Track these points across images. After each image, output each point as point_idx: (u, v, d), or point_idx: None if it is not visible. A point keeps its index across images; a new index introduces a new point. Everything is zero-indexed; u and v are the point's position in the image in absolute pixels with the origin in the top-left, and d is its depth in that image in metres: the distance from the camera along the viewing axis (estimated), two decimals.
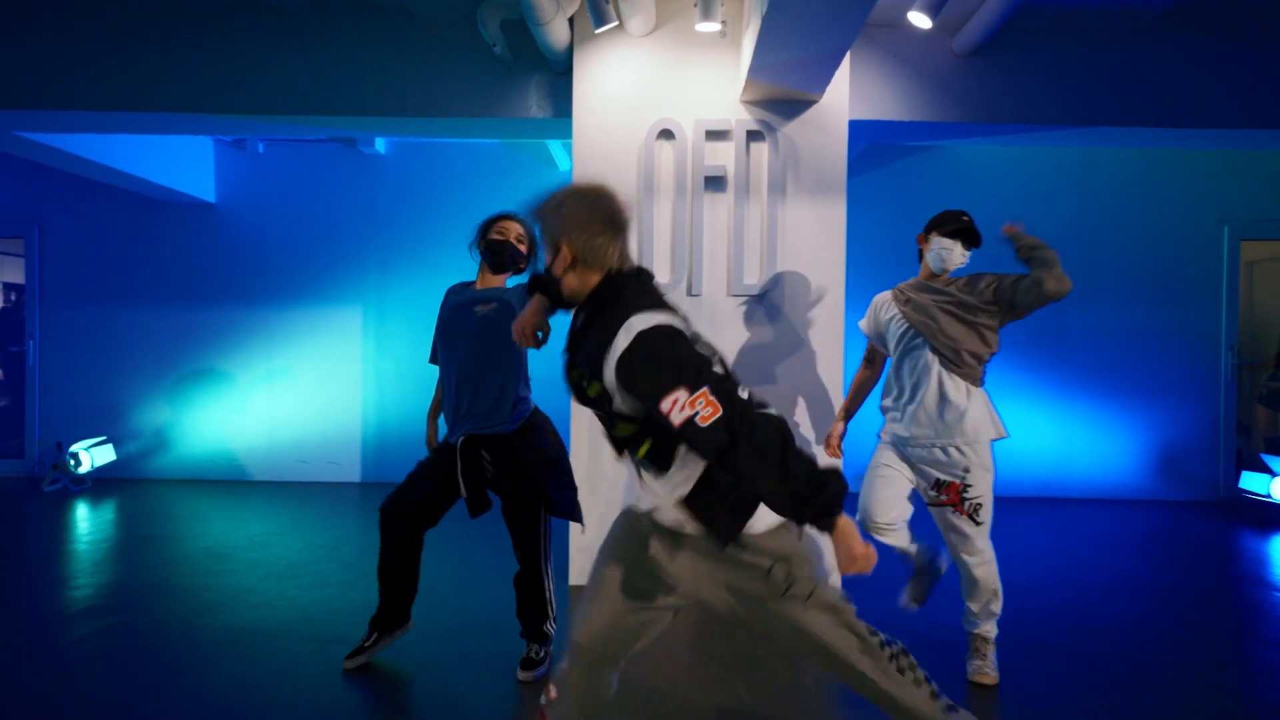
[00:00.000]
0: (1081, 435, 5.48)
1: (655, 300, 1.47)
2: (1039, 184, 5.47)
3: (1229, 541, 4.36)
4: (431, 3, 3.51)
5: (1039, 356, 5.48)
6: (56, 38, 3.73)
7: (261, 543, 4.06)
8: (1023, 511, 5.00)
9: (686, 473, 1.44)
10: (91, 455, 5.36)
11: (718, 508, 1.42)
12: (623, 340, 1.37)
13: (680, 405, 1.31)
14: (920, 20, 3.03)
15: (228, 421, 5.78)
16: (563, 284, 1.53)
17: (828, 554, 3.23)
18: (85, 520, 4.54)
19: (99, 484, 5.49)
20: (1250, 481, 5.04)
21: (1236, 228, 5.45)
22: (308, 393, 5.77)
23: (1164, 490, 5.45)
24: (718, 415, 1.30)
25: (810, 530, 1.36)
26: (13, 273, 7.81)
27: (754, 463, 1.30)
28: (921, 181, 5.51)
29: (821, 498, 1.29)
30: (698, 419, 1.30)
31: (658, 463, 1.45)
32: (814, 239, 3.33)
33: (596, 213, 1.50)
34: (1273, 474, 4.90)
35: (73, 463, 5.25)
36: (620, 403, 1.42)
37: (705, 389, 1.31)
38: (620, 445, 1.53)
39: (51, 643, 2.71)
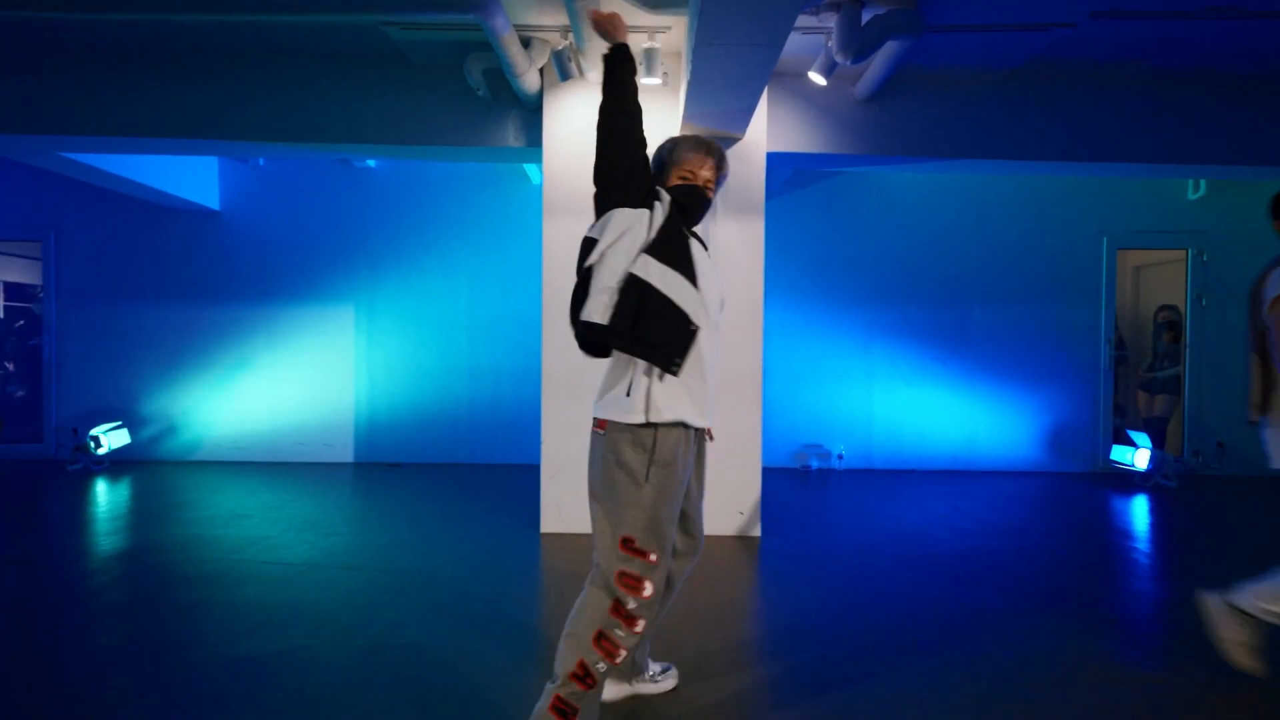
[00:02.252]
0: (983, 416, 6.38)
1: None
2: (945, 200, 6.35)
3: (1100, 502, 5.25)
4: (425, 51, 4.22)
5: (945, 347, 6.36)
6: (96, 74, 4.35)
7: (276, 505, 4.75)
8: (932, 482, 5.87)
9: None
10: (109, 438, 5.95)
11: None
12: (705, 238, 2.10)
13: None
14: (817, 79, 3.84)
15: (232, 408, 6.41)
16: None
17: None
18: (109, 493, 5.16)
19: (115, 465, 6.08)
20: (1118, 453, 5.98)
21: (1114, 238, 6.39)
22: (305, 382, 6.42)
23: (1052, 463, 6.37)
24: None
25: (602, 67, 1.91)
26: (29, 274, 8.31)
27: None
28: (846, 198, 6.35)
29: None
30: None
31: None
32: (738, 249, 4.12)
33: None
34: (1136, 446, 5.83)
35: (93, 445, 5.84)
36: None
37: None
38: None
39: (99, 585, 3.38)
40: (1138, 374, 7.05)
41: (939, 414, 6.36)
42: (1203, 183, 6.22)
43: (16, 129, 4.38)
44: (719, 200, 4.10)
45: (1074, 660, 2.54)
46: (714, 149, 2.04)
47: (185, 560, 3.59)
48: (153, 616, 2.86)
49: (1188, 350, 6.36)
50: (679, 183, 2.00)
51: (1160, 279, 7.44)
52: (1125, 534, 4.38)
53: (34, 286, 8.02)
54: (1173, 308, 6.61)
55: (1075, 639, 2.72)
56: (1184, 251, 6.43)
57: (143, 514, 4.55)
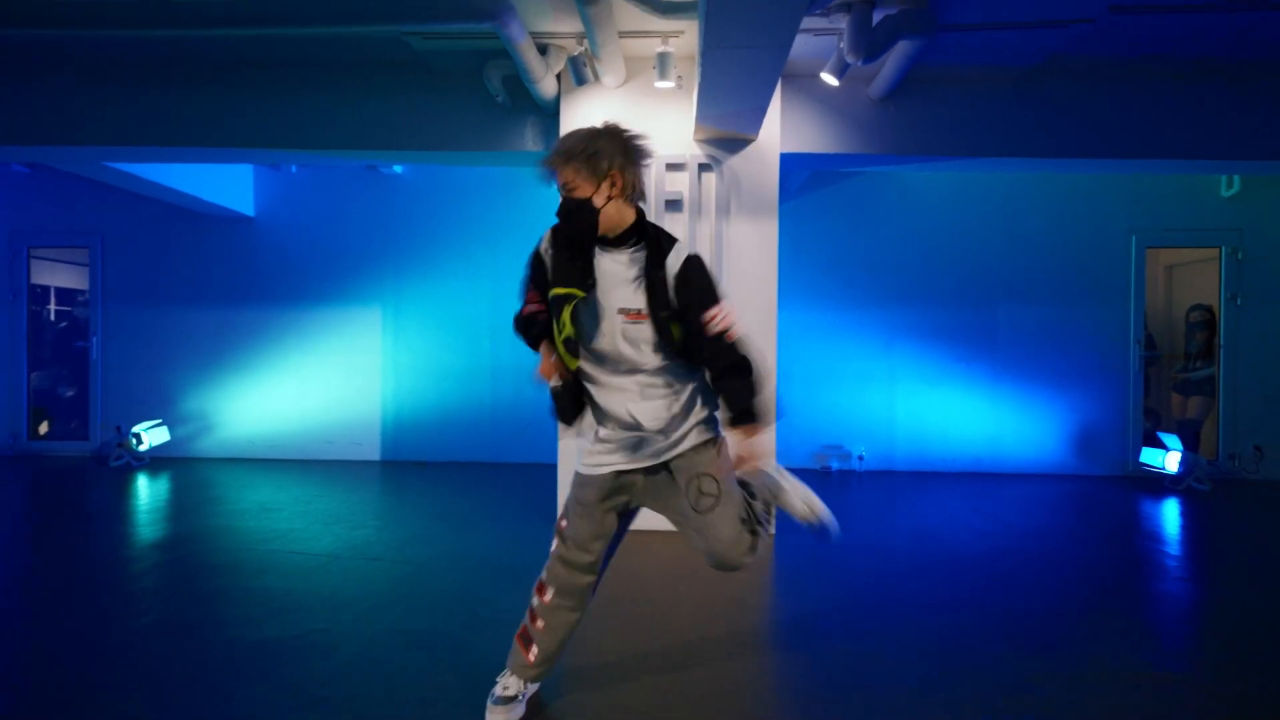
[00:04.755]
0: (1008, 418, 6.29)
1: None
2: (969, 198, 6.30)
3: (1129, 506, 5.15)
4: (446, 59, 4.34)
5: (971, 349, 6.30)
6: (139, 88, 4.55)
7: (305, 499, 4.91)
8: (958, 484, 5.81)
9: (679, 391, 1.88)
10: (150, 435, 6.20)
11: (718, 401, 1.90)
12: (675, 260, 1.78)
13: (718, 318, 1.77)
14: (830, 79, 3.87)
15: (264, 407, 6.63)
16: (602, 214, 1.75)
17: None
18: (149, 488, 5.38)
19: (155, 461, 6.33)
20: (1148, 456, 5.85)
21: (1143, 237, 6.26)
22: (333, 382, 6.61)
23: (1080, 466, 6.25)
24: (739, 331, 1.76)
25: (740, 427, 1.81)
26: (71, 279, 8.67)
27: (748, 369, 1.81)
28: (866, 199, 6.33)
29: (764, 394, 1.81)
30: (728, 333, 1.76)
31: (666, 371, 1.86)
32: (752, 250, 4.16)
33: (634, 148, 1.77)
34: (1166, 449, 5.70)
35: (135, 441, 6.09)
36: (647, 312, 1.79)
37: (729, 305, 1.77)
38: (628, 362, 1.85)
39: (138, 571, 3.54)
40: (1171, 375, 6.89)
41: (963, 416, 6.29)
42: (1236, 179, 6.07)
43: (65, 141, 4.61)
44: (732, 199, 4.15)
45: (1090, 663, 2.52)
46: (552, 154, 1.81)
47: (217, 549, 3.74)
48: (185, 600, 3.00)
49: (1222, 351, 6.20)
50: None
51: (1194, 278, 7.25)
52: (1152, 538, 4.30)
53: (76, 291, 8.37)
54: (1206, 307, 6.44)
55: (1092, 641, 2.70)
56: (1217, 250, 6.27)
57: (180, 507, 4.74)
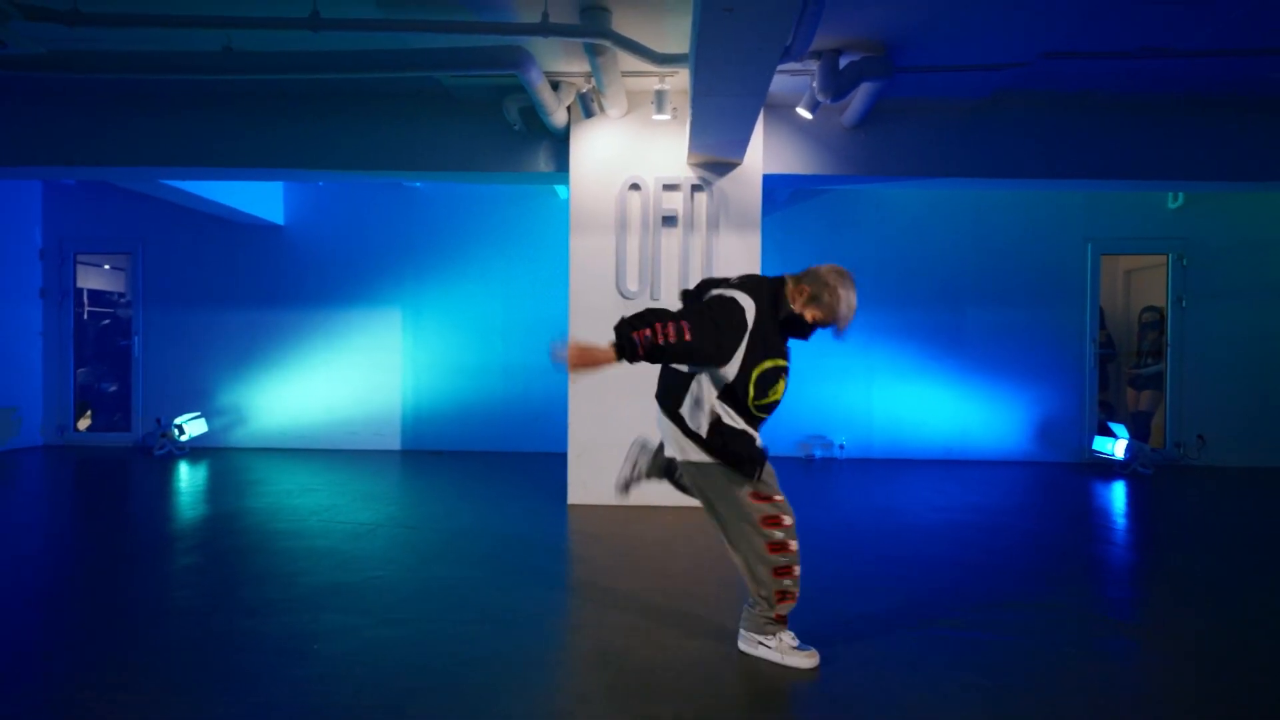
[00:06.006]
0: (976, 410, 6.90)
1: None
2: (940, 210, 6.90)
3: (1078, 487, 5.74)
4: (468, 90, 4.92)
5: (943, 347, 6.90)
6: (188, 116, 5.11)
7: (339, 482, 5.49)
8: (930, 470, 6.42)
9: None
10: (190, 426, 6.77)
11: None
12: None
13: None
14: (804, 114, 4.46)
15: (293, 401, 7.21)
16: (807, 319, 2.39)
17: None
18: (193, 473, 5.96)
19: (194, 450, 6.91)
20: (1099, 444, 6.46)
21: (1098, 244, 6.86)
22: (357, 377, 7.19)
23: (1040, 453, 6.86)
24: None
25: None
26: (108, 282, 9.23)
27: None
28: (846, 210, 6.93)
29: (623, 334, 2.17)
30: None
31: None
32: (739, 259, 4.75)
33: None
34: (1115, 437, 6.31)
35: (177, 432, 6.67)
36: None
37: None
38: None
39: (206, 538, 4.13)
40: (1126, 371, 7.50)
41: (935, 408, 6.89)
42: (1181, 194, 6.67)
43: (123, 162, 5.18)
44: (720, 216, 4.74)
45: (1028, 604, 3.12)
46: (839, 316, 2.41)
47: (276, 519, 4.32)
48: (262, 555, 3.60)
49: (1169, 349, 6.81)
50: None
51: (1149, 282, 7.86)
52: (1095, 512, 4.91)
53: (113, 293, 8.93)
54: (1156, 309, 7.05)
55: (1030, 585, 3.30)
56: (1165, 256, 6.88)
57: (229, 488, 5.33)
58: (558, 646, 2.66)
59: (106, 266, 8.88)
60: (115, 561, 3.55)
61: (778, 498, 2.43)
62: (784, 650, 2.42)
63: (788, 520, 2.41)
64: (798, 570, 2.42)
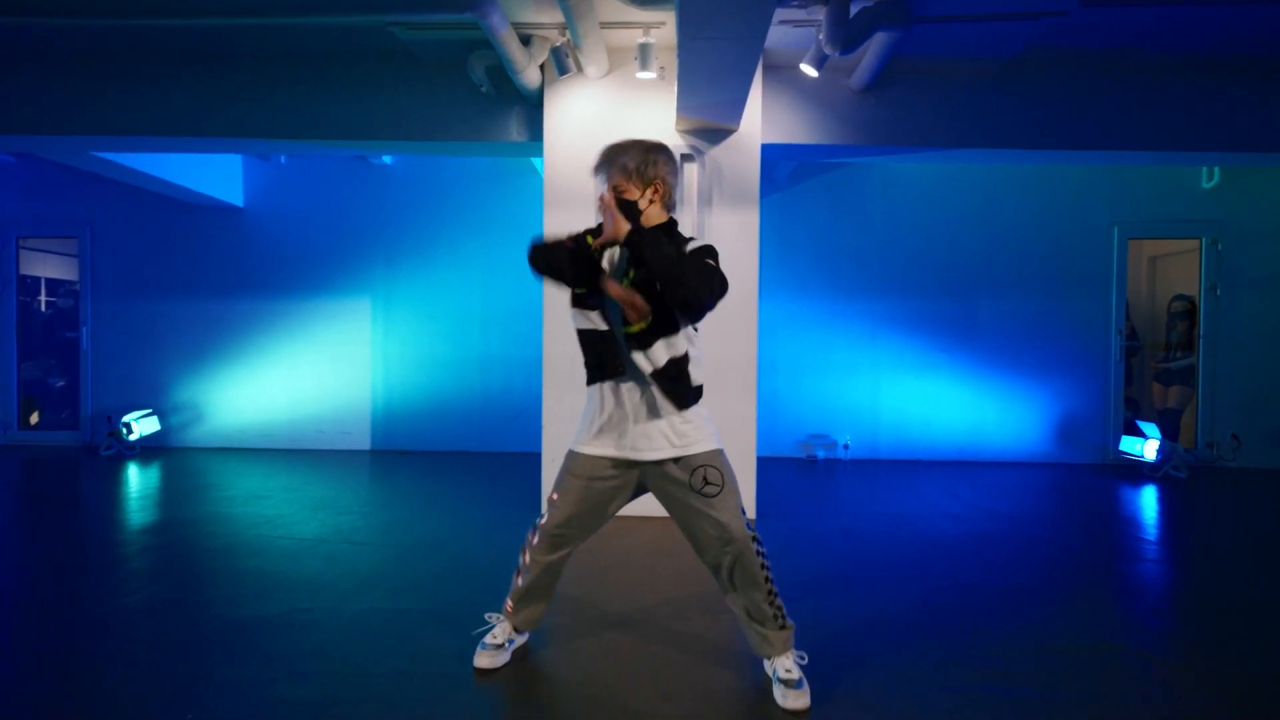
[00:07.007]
0: (990, 407, 6.37)
1: None
2: (952, 190, 6.35)
3: (1106, 492, 5.23)
4: (431, 49, 4.37)
5: (952, 338, 6.37)
6: (123, 77, 4.57)
7: (294, 487, 4.96)
8: (941, 472, 5.89)
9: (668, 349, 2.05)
10: (140, 425, 6.24)
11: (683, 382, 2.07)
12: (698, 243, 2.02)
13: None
14: (809, 71, 3.91)
15: (254, 397, 6.67)
16: (643, 215, 2.02)
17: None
18: (140, 476, 5.43)
19: (146, 450, 6.37)
20: (1127, 444, 5.93)
21: (1125, 228, 6.33)
22: (324, 372, 6.66)
23: (1061, 454, 6.34)
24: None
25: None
26: (58, 269, 8.68)
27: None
28: (851, 191, 6.39)
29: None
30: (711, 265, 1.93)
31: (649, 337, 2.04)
32: (733, 238, 4.21)
33: (674, 166, 2.06)
34: (1145, 437, 5.79)
35: (125, 431, 6.13)
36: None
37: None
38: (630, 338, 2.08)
39: (128, 554, 3.60)
40: (1152, 365, 6.98)
41: (946, 405, 6.37)
42: (1216, 171, 6.14)
43: (51, 130, 4.63)
44: (714, 189, 4.20)
45: (1055, 634, 2.60)
46: (608, 160, 2.07)
47: (206, 534, 3.79)
48: (171, 582, 3.06)
49: (1201, 341, 6.29)
50: None
51: (1177, 269, 7.33)
52: (1126, 521, 4.39)
53: (64, 282, 8.38)
54: (1187, 298, 6.52)
55: (1058, 616, 2.78)
56: (1198, 241, 6.35)
57: (170, 495, 4.79)
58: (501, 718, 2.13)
59: (47, 252, 8.31)
60: None
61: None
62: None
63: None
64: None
